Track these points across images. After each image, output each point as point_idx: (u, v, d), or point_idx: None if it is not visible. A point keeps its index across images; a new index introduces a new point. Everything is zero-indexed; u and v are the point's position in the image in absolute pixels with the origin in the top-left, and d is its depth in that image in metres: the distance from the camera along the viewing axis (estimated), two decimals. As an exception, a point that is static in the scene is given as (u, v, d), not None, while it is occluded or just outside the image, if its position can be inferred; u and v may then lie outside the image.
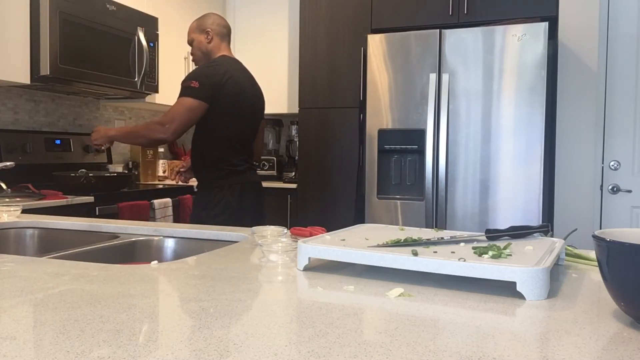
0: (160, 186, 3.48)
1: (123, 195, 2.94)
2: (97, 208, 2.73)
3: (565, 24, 3.02)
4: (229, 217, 2.30)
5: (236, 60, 2.53)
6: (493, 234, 1.13)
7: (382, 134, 3.10)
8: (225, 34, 2.54)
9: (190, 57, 2.62)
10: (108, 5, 3.07)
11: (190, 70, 4.08)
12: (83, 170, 3.01)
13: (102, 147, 2.45)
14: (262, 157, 4.22)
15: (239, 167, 2.46)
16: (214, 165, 2.41)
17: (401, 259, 0.94)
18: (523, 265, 0.86)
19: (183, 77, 2.42)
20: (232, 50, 4.32)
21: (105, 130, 2.41)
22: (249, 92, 2.49)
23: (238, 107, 2.43)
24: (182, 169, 2.65)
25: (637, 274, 0.68)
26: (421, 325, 0.72)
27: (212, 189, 2.40)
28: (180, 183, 2.77)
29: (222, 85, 2.34)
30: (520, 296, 0.85)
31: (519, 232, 1.14)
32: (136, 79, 3.29)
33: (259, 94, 2.60)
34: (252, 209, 2.46)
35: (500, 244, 1.06)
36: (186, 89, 2.30)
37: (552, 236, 1.17)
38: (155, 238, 1.56)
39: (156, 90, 3.48)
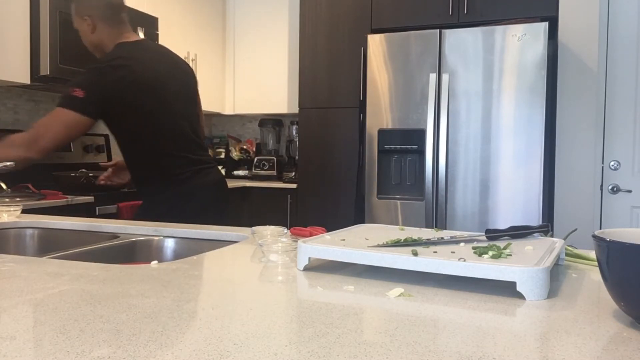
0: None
1: (123, 195, 2.94)
2: (97, 208, 2.73)
3: (565, 24, 3.02)
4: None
5: (139, 43, 2.04)
6: (493, 234, 1.13)
7: (382, 134, 3.10)
8: (112, 14, 1.98)
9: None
10: (108, 5, 3.07)
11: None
12: (83, 170, 3.01)
13: None
14: (262, 157, 4.22)
15: (183, 175, 2.03)
16: (155, 178, 2.02)
17: (401, 259, 0.94)
18: (523, 265, 0.86)
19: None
20: (232, 50, 4.36)
21: None
22: (167, 78, 2.01)
23: (159, 104, 1.96)
24: (106, 179, 2.30)
25: (637, 274, 0.68)
26: (421, 325, 0.72)
27: (159, 203, 2.02)
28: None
29: (124, 91, 1.88)
30: (520, 296, 0.85)
31: (519, 232, 1.14)
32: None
33: (183, 72, 2.12)
34: (210, 214, 2.04)
35: (500, 244, 1.06)
36: (67, 99, 1.83)
37: (552, 236, 1.17)
38: (155, 238, 1.56)
39: (156, 90, 3.47)
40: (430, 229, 1.29)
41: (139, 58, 1.96)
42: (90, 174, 2.90)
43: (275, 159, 4.18)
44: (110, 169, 2.32)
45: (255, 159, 4.22)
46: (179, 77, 2.08)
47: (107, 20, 1.98)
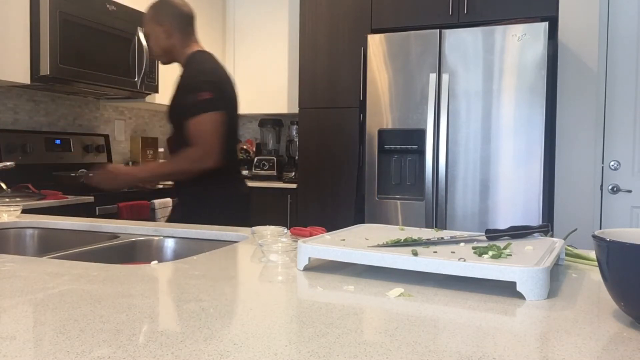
0: (160, 186, 3.48)
1: (123, 195, 2.94)
2: (97, 208, 2.73)
3: (565, 24, 3.02)
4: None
5: (212, 54, 2.22)
6: (493, 234, 1.13)
7: (382, 134, 3.10)
8: (187, 23, 2.16)
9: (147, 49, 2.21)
10: (108, 5, 3.07)
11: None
12: (83, 170, 3.01)
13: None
14: (262, 157, 4.22)
15: (234, 178, 2.20)
16: (205, 179, 2.06)
17: (401, 259, 0.94)
18: (523, 265, 0.86)
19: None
20: (232, 50, 4.36)
21: (127, 171, 2.03)
22: (232, 91, 2.20)
23: (230, 109, 2.14)
24: None
25: (637, 274, 0.68)
26: (421, 325, 0.72)
27: (200, 206, 2.08)
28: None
29: (223, 90, 2.09)
30: (520, 296, 0.85)
31: (519, 232, 1.14)
32: (136, 79, 3.29)
33: (235, 89, 2.28)
34: (240, 221, 2.04)
35: (500, 244, 1.06)
36: (203, 104, 1.99)
37: (552, 236, 1.17)
38: (155, 238, 1.56)
39: (156, 90, 3.48)
40: (430, 229, 1.29)
41: (220, 67, 2.16)
42: (90, 174, 2.89)
43: (275, 159, 4.18)
44: None
45: (255, 159, 4.22)
46: (235, 94, 2.24)
47: (182, 28, 2.13)
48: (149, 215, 3.02)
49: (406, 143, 3.06)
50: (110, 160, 3.60)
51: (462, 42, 2.94)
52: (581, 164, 3.02)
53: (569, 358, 0.61)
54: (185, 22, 2.16)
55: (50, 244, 1.69)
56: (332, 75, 3.50)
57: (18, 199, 2.46)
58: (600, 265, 0.74)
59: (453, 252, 0.98)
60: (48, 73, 2.72)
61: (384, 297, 0.86)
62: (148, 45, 2.22)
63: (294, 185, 3.74)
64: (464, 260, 0.89)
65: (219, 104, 2.02)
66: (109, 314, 0.74)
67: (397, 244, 1.07)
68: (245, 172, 4.29)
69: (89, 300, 0.81)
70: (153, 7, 2.17)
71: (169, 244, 1.57)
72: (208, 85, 2.01)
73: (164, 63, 2.24)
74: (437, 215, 3.00)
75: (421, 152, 3.02)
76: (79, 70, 2.89)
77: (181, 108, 2.04)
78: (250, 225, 2.17)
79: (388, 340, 0.66)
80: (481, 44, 2.91)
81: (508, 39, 2.86)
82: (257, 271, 1.04)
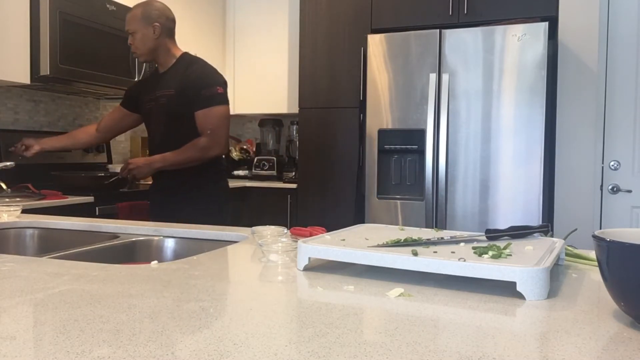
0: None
1: (123, 195, 2.94)
2: (97, 208, 2.73)
3: (565, 24, 3.02)
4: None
5: None
6: (493, 234, 1.13)
7: (382, 134, 3.10)
8: (173, 28, 2.36)
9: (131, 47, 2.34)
10: (108, 5, 3.07)
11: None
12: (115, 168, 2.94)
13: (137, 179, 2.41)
14: (262, 157, 4.22)
15: (223, 172, 2.46)
16: (210, 166, 2.32)
17: (401, 259, 0.94)
18: (523, 265, 0.86)
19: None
20: (232, 50, 4.36)
21: (147, 162, 2.30)
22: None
23: None
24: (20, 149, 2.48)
25: (637, 274, 0.68)
26: (421, 325, 0.72)
27: (204, 195, 2.32)
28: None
29: (227, 86, 2.35)
30: (520, 296, 0.85)
31: (519, 232, 1.14)
32: (136, 79, 3.28)
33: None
34: (230, 215, 2.41)
35: (500, 244, 1.06)
36: (219, 96, 2.24)
37: (552, 236, 1.17)
38: (155, 238, 1.56)
39: (156, 90, 3.47)
40: (430, 229, 1.29)
41: None
42: (120, 177, 2.80)
43: (275, 159, 4.18)
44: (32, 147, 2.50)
45: (255, 159, 4.22)
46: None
47: (169, 31, 2.33)
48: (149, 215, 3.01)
49: (406, 143, 3.06)
50: (110, 161, 3.60)
51: (462, 42, 2.94)
52: (581, 163, 3.02)
53: (569, 358, 0.61)
54: (171, 25, 2.34)
55: (50, 244, 1.69)
56: (332, 75, 3.50)
57: (18, 199, 2.45)
58: (600, 265, 0.74)
59: (453, 252, 0.98)
60: (48, 73, 2.72)
61: (384, 297, 0.86)
62: (132, 42, 2.31)
63: (294, 185, 3.74)
64: (464, 260, 0.89)
65: (227, 98, 2.27)
66: (109, 314, 0.74)
67: (397, 244, 1.07)
68: (245, 172, 4.29)
69: (89, 300, 0.81)
70: (142, 7, 2.30)
71: (169, 244, 1.57)
72: (220, 81, 2.27)
73: (144, 61, 2.46)
74: (437, 215, 3.00)
75: (421, 152, 3.02)
76: (79, 70, 2.89)
77: (189, 101, 2.21)
78: (227, 220, 2.35)
79: (388, 340, 0.66)
80: (481, 44, 2.91)
81: (508, 39, 2.86)
82: (257, 271, 1.04)
